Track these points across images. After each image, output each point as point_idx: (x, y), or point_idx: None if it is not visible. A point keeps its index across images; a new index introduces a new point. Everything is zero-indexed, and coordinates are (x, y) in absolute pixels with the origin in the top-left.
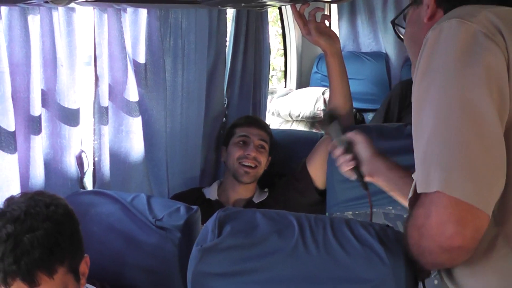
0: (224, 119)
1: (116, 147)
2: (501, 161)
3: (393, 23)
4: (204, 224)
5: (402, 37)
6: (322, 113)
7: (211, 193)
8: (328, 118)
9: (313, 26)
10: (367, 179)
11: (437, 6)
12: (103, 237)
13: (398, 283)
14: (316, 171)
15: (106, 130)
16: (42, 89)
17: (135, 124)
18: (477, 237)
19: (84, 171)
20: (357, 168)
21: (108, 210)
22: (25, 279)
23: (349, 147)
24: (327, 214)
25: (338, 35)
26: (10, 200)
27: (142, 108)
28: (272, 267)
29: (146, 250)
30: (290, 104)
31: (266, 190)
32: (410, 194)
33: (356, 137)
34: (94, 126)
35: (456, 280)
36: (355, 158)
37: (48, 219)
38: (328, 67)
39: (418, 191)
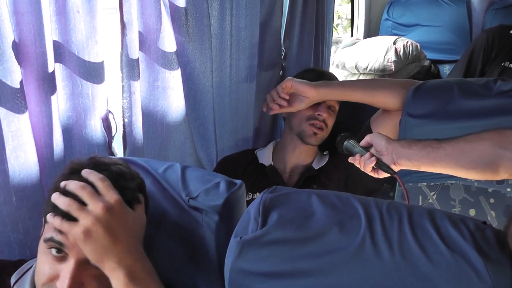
0: (281, 72)
1: (150, 105)
2: None
3: None
4: (246, 209)
5: None
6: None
7: (265, 157)
8: (341, 141)
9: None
10: (394, 167)
11: None
12: None
13: None
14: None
15: (137, 86)
16: (55, 41)
17: (174, 79)
18: None
19: (112, 135)
20: (379, 161)
21: None
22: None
23: (367, 149)
24: (397, 184)
25: None
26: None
27: (182, 60)
28: (330, 270)
29: (178, 234)
30: (357, 55)
31: (326, 153)
32: None
33: (368, 138)
34: (122, 82)
35: None
36: (374, 155)
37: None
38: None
39: None
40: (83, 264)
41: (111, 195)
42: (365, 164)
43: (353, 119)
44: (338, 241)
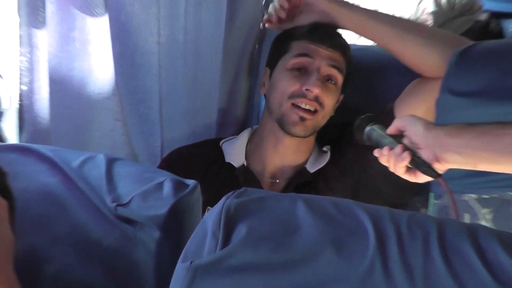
0: (261, 25)
1: (62, 68)
2: None
3: None
4: (201, 220)
5: None
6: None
7: (235, 153)
8: (361, 127)
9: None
10: (437, 166)
11: None
12: (27, 229)
13: None
14: None
15: (43, 37)
16: None
17: (99, 29)
18: None
19: (1, 109)
20: (416, 157)
21: (40, 183)
22: None
23: (399, 140)
24: (432, 196)
25: None
26: None
27: (113, 1)
28: None
29: (99, 258)
30: (377, 1)
31: (326, 149)
32: None
33: (399, 123)
34: (20, 30)
35: None
36: (409, 149)
37: None
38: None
39: None
40: None
41: None
42: (395, 162)
43: (370, 98)
44: (335, 267)
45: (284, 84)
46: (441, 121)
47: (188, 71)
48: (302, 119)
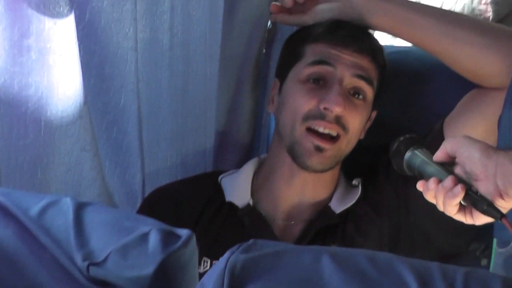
0: (269, 23)
1: (14, 85)
2: None
3: None
4: (199, 283)
5: None
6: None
7: (239, 189)
8: (399, 151)
9: None
10: (501, 203)
11: None
12: None
13: None
14: None
15: None
16: None
17: (61, 34)
18: None
19: None
20: (471, 192)
21: None
22: None
23: (449, 168)
24: (495, 243)
25: None
26: None
27: None
28: None
29: None
30: None
31: (356, 182)
32: None
33: (450, 146)
34: None
35: None
36: (462, 181)
37: None
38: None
39: None
40: None
41: None
42: (445, 199)
43: (413, 113)
44: None
45: (297, 101)
46: (506, 143)
47: (176, 83)
48: (319, 149)
